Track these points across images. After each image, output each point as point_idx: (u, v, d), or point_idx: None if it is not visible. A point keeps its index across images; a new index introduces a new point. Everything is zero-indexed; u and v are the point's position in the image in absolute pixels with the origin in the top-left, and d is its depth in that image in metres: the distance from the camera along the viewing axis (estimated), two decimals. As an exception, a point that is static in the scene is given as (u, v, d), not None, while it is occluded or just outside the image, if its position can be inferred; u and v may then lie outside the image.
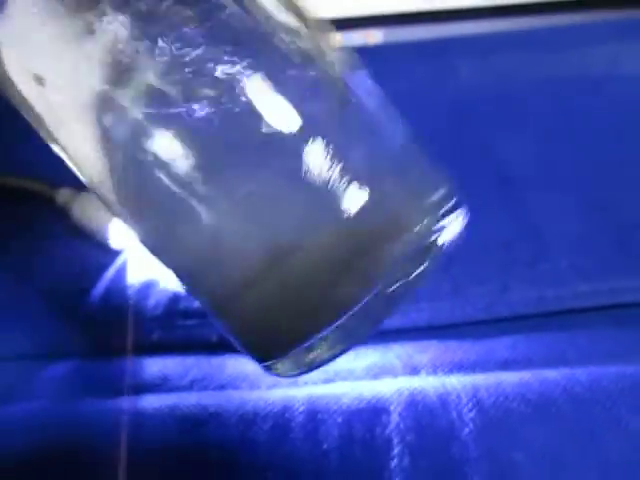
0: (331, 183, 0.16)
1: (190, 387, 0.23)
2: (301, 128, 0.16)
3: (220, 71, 0.15)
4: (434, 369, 0.22)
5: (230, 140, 0.16)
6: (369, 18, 0.38)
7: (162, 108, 0.15)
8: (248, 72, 0.15)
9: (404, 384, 0.21)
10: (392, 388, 0.21)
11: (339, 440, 0.20)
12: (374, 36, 0.40)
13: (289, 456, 0.20)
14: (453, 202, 0.20)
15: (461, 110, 0.34)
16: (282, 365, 0.19)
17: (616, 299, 0.25)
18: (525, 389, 0.21)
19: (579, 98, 0.33)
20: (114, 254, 0.29)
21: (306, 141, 0.16)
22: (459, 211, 0.20)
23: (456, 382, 0.21)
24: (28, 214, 0.31)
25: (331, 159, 0.16)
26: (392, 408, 0.20)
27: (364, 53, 0.38)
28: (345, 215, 0.16)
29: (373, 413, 0.20)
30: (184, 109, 0.15)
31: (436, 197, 0.19)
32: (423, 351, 0.23)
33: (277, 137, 0.16)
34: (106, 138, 0.16)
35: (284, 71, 0.16)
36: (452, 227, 0.19)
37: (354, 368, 0.23)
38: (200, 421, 0.21)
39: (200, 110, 0.15)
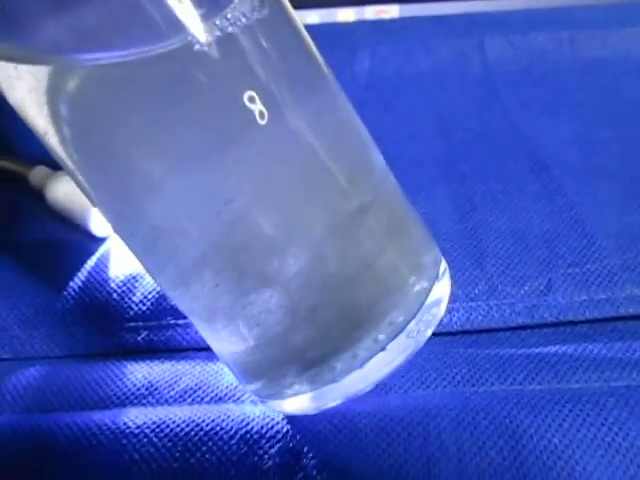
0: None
1: (181, 399, 0.19)
2: None
3: None
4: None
5: None
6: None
7: None
8: None
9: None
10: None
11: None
12: (389, 12, 0.36)
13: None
14: (444, 266, 0.18)
15: (488, 91, 0.30)
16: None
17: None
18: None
19: (618, 80, 0.30)
20: (96, 241, 0.25)
21: None
22: (448, 276, 0.18)
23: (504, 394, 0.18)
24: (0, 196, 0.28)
25: None
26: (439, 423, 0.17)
27: (381, 27, 0.35)
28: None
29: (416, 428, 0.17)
30: None
31: (430, 257, 0.18)
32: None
33: None
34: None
35: None
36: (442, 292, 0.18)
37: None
38: (193, 442, 0.17)
39: None
